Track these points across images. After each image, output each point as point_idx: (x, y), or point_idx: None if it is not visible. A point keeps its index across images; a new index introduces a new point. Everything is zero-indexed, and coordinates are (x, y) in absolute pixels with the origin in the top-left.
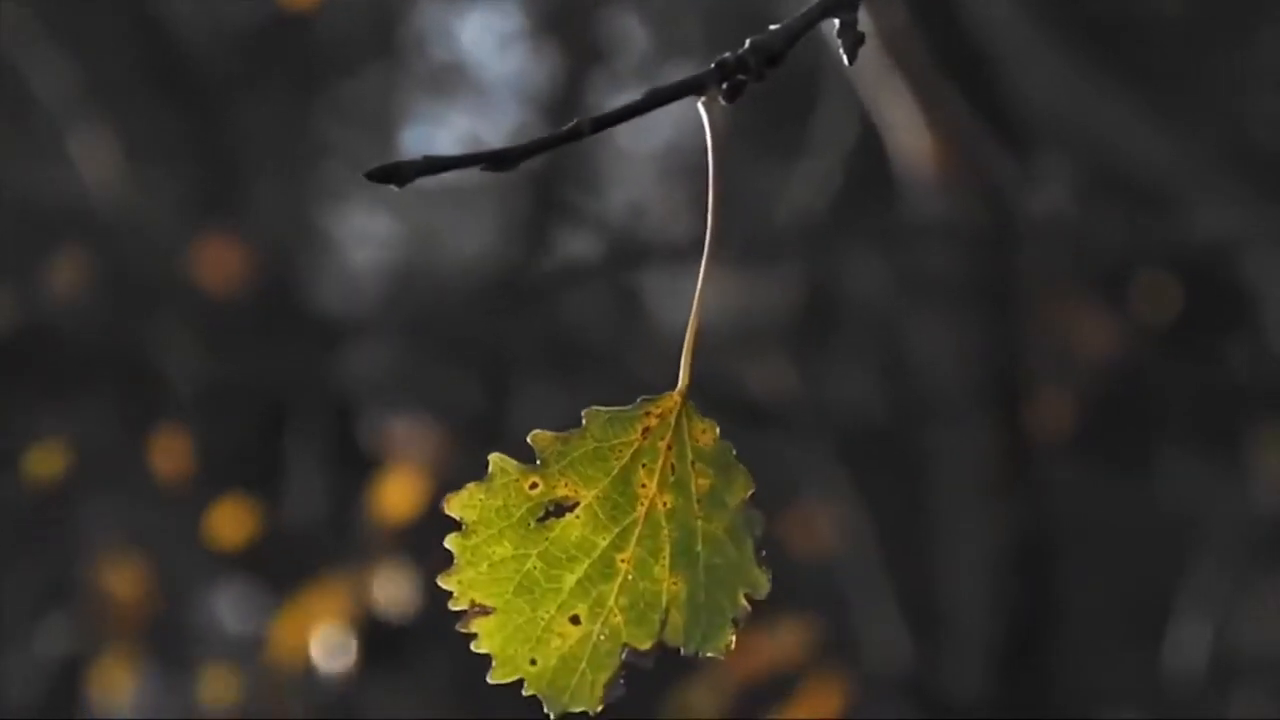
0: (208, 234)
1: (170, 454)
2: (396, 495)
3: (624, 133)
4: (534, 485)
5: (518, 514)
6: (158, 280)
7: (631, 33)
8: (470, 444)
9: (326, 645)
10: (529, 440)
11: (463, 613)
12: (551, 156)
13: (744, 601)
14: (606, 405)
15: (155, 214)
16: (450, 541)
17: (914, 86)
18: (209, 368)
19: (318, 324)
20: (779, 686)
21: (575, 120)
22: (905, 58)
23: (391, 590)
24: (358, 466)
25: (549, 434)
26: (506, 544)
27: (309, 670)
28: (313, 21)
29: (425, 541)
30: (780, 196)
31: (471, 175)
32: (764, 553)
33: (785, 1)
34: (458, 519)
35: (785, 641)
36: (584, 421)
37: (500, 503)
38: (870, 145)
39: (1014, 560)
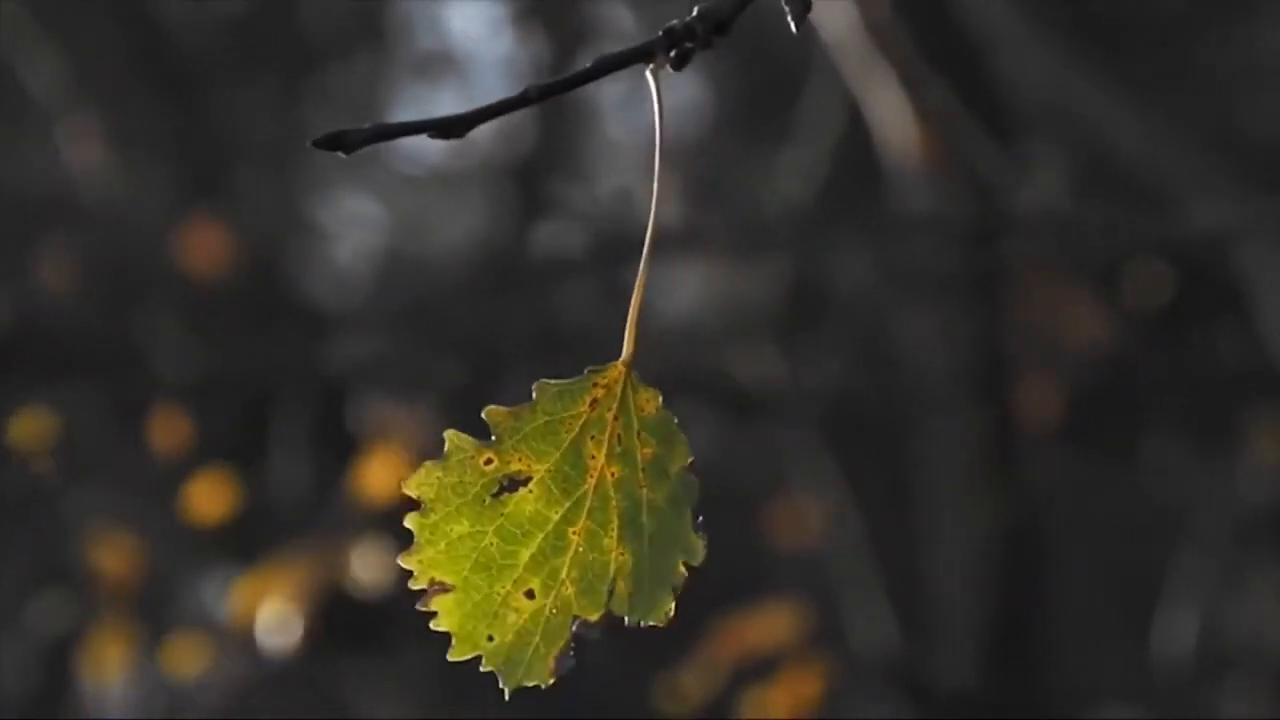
0: (194, 221)
1: (157, 438)
2: (378, 477)
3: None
4: (489, 461)
5: (473, 490)
6: (145, 267)
7: (618, 17)
8: (456, 428)
9: (274, 619)
10: (484, 416)
11: (423, 592)
12: (539, 145)
13: (682, 570)
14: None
15: (142, 201)
16: (410, 520)
17: (900, 76)
18: (196, 353)
19: (305, 310)
20: (765, 670)
21: (525, 87)
22: (891, 47)
23: (367, 570)
24: (342, 449)
25: (502, 409)
26: (464, 521)
27: (253, 642)
28: (299, 8)
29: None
30: (767, 186)
31: (460, 161)
32: (700, 519)
33: None
34: (416, 498)
35: (773, 627)
36: (534, 395)
37: (456, 479)
38: (857, 134)
39: (1001, 549)
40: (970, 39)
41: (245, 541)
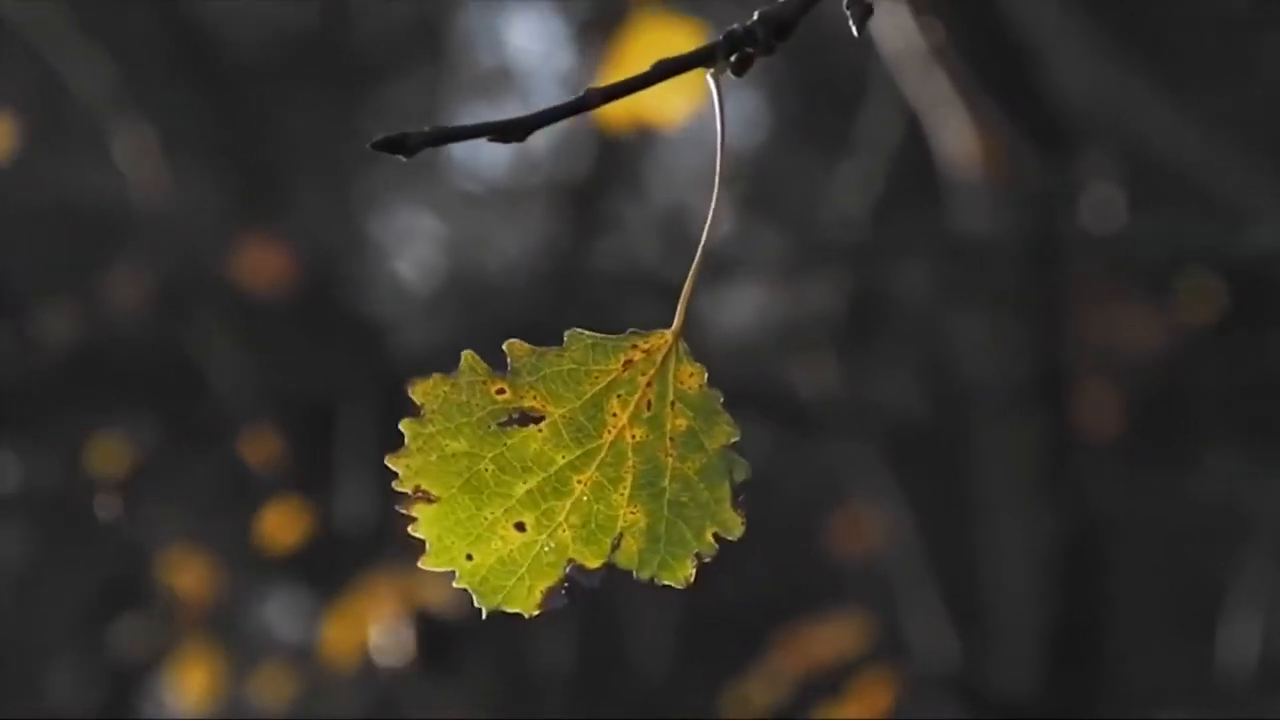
0: (254, 238)
1: (225, 458)
2: None
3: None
4: (500, 390)
5: (479, 414)
6: (205, 284)
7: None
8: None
9: (381, 642)
10: (504, 348)
11: (404, 495)
12: (597, 162)
13: (711, 540)
14: None
15: (199, 216)
16: (405, 425)
17: (957, 89)
18: (260, 372)
19: (365, 324)
20: (832, 682)
21: (584, 90)
22: (948, 61)
23: (441, 590)
24: None
25: (526, 345)
26: (462, 440)
27: (364, 668)
28: (358, 23)
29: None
30: (825, 199)
31: (519, 178)
32: (742, 498)
33: None
34: (418, 404)
35: (837, 638)
36: (565, 340)
37: (464, 399)
38: (915, 148)
39: (1061, 558)
40: (1026, 53)
41: (315, 561)
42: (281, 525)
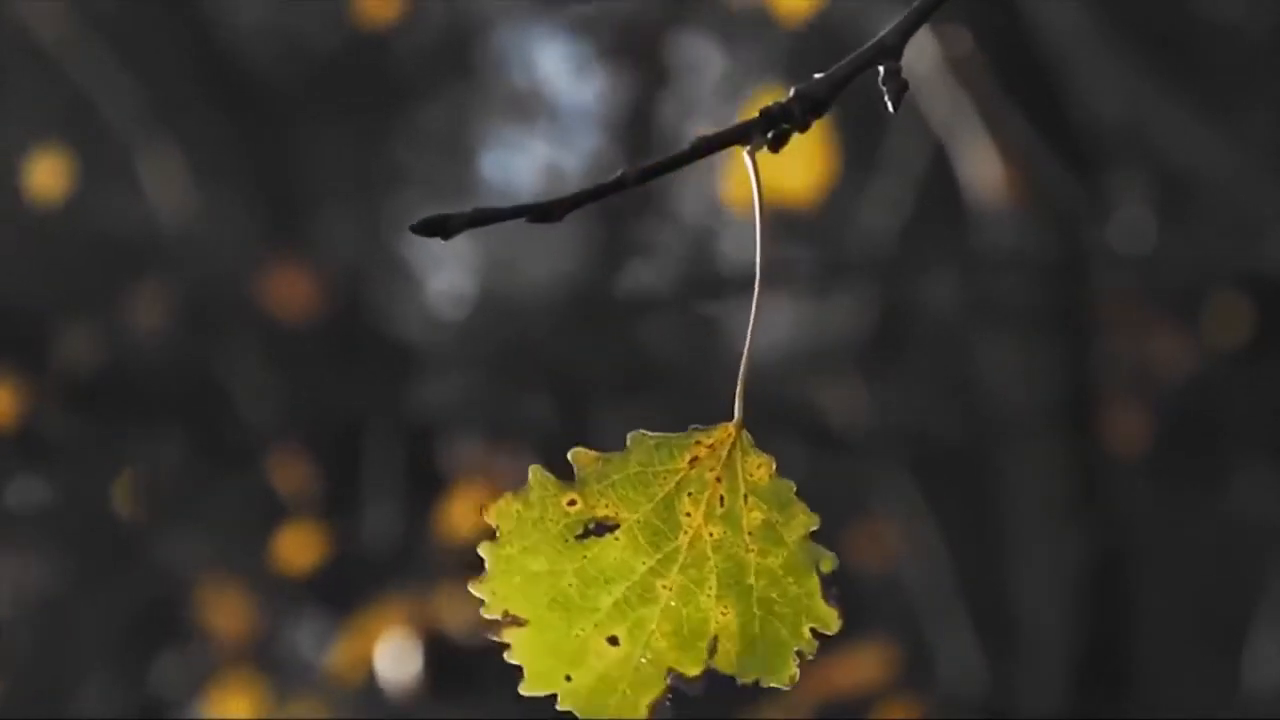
0: (282, 260)
1: (248, 482)
2: (469, 518)
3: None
4: (572, 502)
5: (554, 529)
6: (233, 308)
7: (707, 55)
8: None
9: (389, 662)
10: (569, 457)
11: (495, 621)
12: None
13: (809, 636)
14: (680, 428)
15: (228, 239)
16: (484, 549)
17: (983, 110)
18: (283, 393)
19: (394, 349)
20: (855, 708)
21: (620, 171)
22: (974, 82)
23: (460, 612)
24: (433, 490)
25: (591, 453)
26: (541, 558)
27: (371, 687)
28: (388, 45)
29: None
30: (853, 219)
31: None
32: (835, 589)
33: (868, 17)
34: (493, 527)
35: (861, 663)
36: (628, 444)
37: (537, 515)
38: (941, 169)
39: (1090, 579)
40: (1052, 72)
41: (339, 588)
42: (306, 548)
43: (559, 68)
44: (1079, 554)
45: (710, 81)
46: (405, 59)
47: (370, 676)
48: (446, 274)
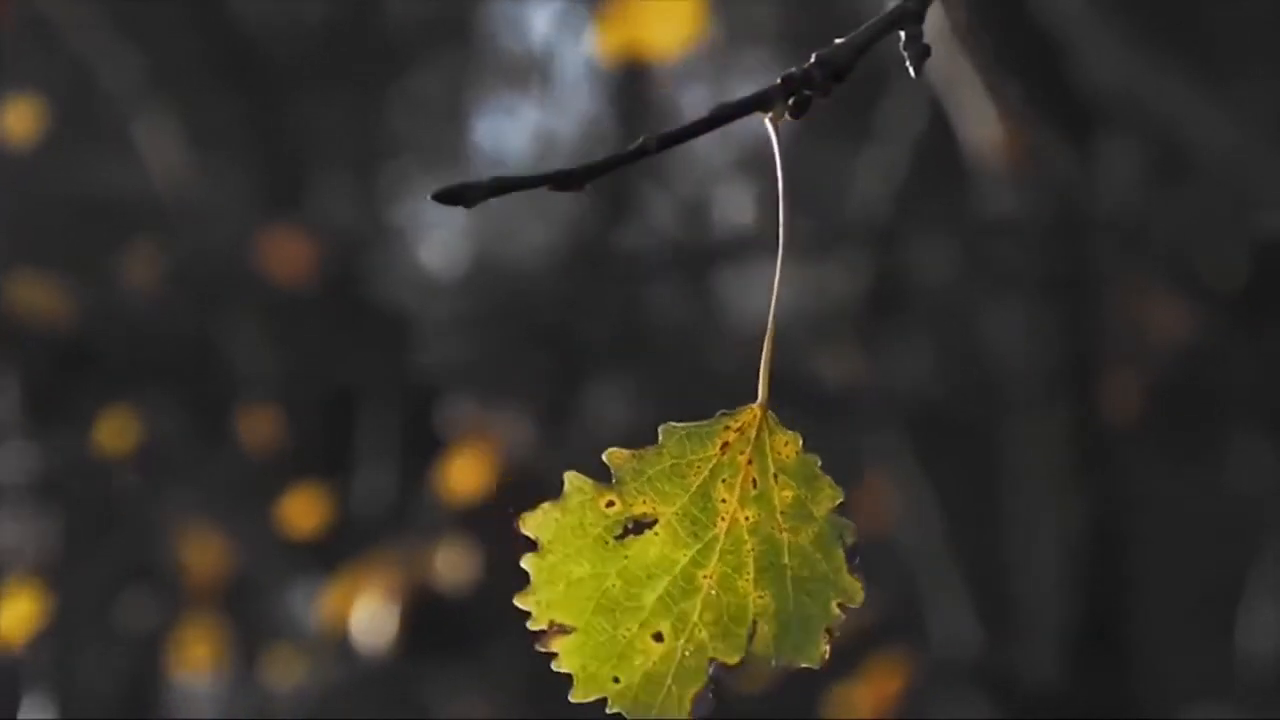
0: (276, 225)
1: (243, 442)
2: (464, 479)
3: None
4: (610, 503)
5: (594, 532)
6: (229, 271)
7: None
8: (543, 428)
9: (365, 619)
10: (604, 459)
11: (541, 631)
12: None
13: (837, 611)
14: (676, 394)
15: (224, 204)
16: (527, 561)
17: (981, 75)
18: (280, 358)
19: (389, 313)
20: (846, 660)
21: (641, 139)
22: (971, 47)
23: (454, 570)
24: (428, 451)
25: (624, 452)
26: (584, 563)
27: (349, 644)
28: (384, 11)
29: (491, 523)
30: (850, 184)
31: (544, 165)
32: (857, 560)
33: None
34: (533, 538)
35: (854, 619)
36: (660, 438)
37: (576, 521)
38: (939, 134)
39: (1086, 545)
40: (1050, 35)
41: (332, 545)
42: (302, 510)
43: (552, 34)
44: (1075, 521)
45: (706, 42)
46: (400, 26)
47: (352, 633)
48: (442, 238)
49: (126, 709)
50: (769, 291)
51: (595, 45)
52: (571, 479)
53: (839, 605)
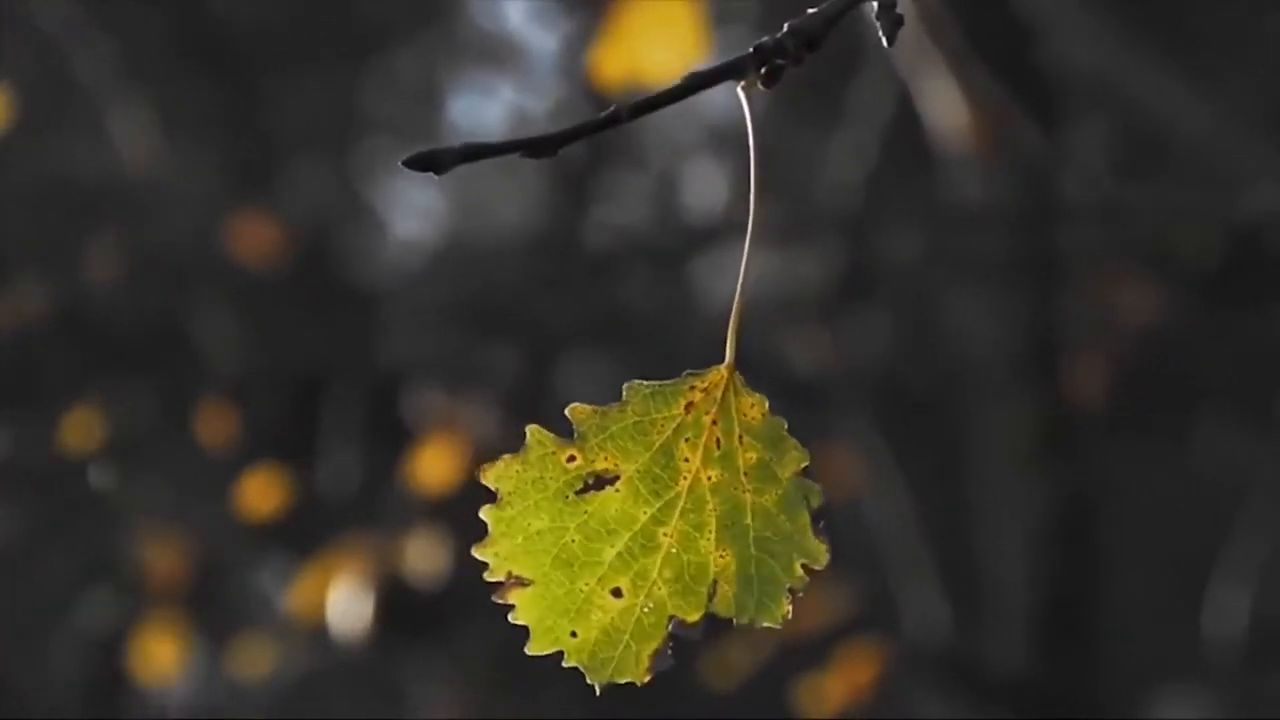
0: (247, 209)
1: (209, 431)
2: (433, 467)
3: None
4: (571, 458)
5: (554, 486)
6: (196, 257)
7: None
8: (512, 415)
9: (334, 612)
10: (567, 413)
11: (498, 583)
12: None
13: (801, 572)
14: (648, 378)
15: (195, 189)
16: (485, 513)
17: (950, 60)
18: (248, 342)
19: (360, 297)
20: (816, 651)
21: (614, 106)
22: (941, 32)
23: (424, 559)
24: (397, 439)
25: (587, 407)
26: (543, 516)
27: (323, 631)
28: None
29: (462, 512)
30: (818, 169)
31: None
32: (822, 524)
33: None
34: (493, 490)
35: (824, 608)
36: (624, 395)
37: (537, 475)
38: (908, 119)
39: (1054, 529)
40: (1020, 22)
41: (299, 535)
42: (268, 494)
43: (526, 13)
44: (1043, 503)
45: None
46: (373, 6)
47: (323, 620)
48: (413, 223)
49: (90, 705)
50: (733, 274)
51: (593, 69)
52: (533, 432)
53: (803, 566)
